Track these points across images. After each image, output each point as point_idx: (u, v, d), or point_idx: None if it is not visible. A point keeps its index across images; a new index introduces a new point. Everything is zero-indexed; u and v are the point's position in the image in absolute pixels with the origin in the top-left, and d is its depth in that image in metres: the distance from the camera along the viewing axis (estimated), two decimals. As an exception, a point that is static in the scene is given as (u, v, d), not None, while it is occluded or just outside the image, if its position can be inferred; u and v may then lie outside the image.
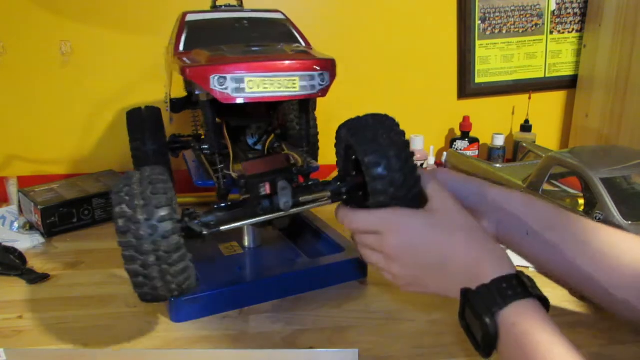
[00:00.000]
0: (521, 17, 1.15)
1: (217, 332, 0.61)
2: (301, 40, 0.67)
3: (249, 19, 0.67)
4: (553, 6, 1.16)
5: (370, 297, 0.69)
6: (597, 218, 0.66)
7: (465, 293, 0.44)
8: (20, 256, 0.78)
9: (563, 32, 1.18)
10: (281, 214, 0.54)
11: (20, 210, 0.92)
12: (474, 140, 1.15)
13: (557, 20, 1.17)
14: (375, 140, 0.48)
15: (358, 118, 0.52)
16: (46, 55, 1.03)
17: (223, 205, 0.55)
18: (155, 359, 0.58)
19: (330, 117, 0.87)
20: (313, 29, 1.10)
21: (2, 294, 0.70)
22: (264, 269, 0.72)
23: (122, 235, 0.46)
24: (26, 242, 0.85)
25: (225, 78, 0.51)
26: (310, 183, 0.57)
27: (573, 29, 1.17)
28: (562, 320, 0.62)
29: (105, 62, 1.05)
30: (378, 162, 0.47)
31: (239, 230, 0.78)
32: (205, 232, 0.52)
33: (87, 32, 1.03)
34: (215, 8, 0.74)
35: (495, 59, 1.17)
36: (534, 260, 0.56)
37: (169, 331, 0.61)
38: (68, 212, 0.89)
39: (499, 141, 1.15)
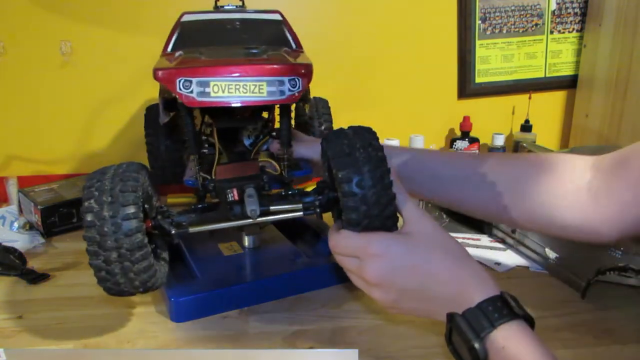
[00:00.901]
0: (521, 17, 1.15)
1: (217, 332, 0.61)
2: (292, 43, 0.67)
3: (242, 20, 0.67)
4: (553, 6, 1.16)
5: (370, 297, 0.68)
6: (597, 218, 0.66)
7: (452, 318, 0.44)
8: (20, 256, 0.78)
9: (563, 32, 1.18)
10: (251, 221, 0.54)
11: (20, 210, 0.92)
12: (474, 140, 1.15)
13: (557, 20, 1.17)
14: (350, 154, 0.47)
15: (339, 130, 0.51)
16: (46, 55, 1.03)
17: (200, 206, 0.56)
18: (155, 359, 0.58)
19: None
20: (313, 29, 1.10)
21: (2, 294, 0.70)
22: (264, 269, 0.72)
23: (88, 229, 0.48)
24: (26, 242, 0.85)
25: (190, 81, 0.50)
26: (284, 193, 0.57)
27: (573, 29, 1.17)
28: (562, 320, 0.63)
29: (105, 62, 1.05)
30: (350, 178, 0.46)
31: (239, 229, 0.78)
32: (173, 232, 0.54)
33: (87, 32, 1.03)
34: (217, 8, 0.74)
35: (495, 59, 1.17)
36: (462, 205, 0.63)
37: (169, 331, 0.61)
38: (68, 212, 0.89)
39: (499, 141, 1.15)
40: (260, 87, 0.51)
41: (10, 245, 0.79)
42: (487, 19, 1.14)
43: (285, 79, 0.51)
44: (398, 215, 0.49)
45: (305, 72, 0.53)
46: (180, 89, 0.50)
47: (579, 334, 0.60)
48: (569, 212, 0.55)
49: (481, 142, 1.16)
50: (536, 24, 1.16)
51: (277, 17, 0.69)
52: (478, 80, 1.17)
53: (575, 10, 1.16)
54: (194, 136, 0.59)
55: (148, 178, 0.55)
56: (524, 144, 1.03)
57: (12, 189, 0.93)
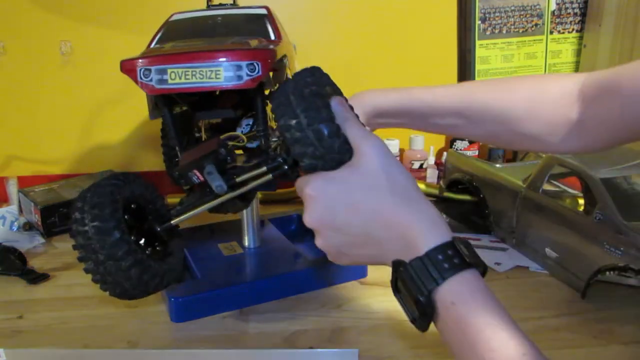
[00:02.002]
0: (521, 17, 1.15)
1: (217, 332, 0.61)
2: (272, 34, 0.65)
3: (225, 16, 0.67)
4: (553, 6, 1.16)
5: (370, 297, 0.69)
6: (597, 218, 0.66)
7: (397, 267, 0.39)
8: (20, 256, 0.78)
9: (563, 32, 1.18)
10: (225, 197, 0.53)
11: (20, 210, 0.92)
12: (474, 140, 1.15)
13: (557, 20, 1.16)
14: (284, 101, 0.44)
15: (283, 82, 0.49)
16: (46, 55, 1.03)
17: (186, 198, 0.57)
18: (155, 359, 0.58)
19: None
20: (312, 29, 1.10)
21: (2, 294, 0.70)
22: (264, 269, 0.72)
23: (75, 238, 0.50)
24: (26, 242, 0.85)
25: (150, 70, 0.52)
26: (249, 162, 0.56)
27: (573, 29, 1.17)
28: (562, 320, 0.63)
29: (105, 62, 1.05)
30: (288, 125, 0.43)
31: (239, 230, 0.78)
32: (158, 229, 0.55)
33: (87, 32, 1.03)
34: (209, 7, 0.73)
35: (495, 59, 1.17)
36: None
37: (169, 331, 0.61)
38: (68, 212, 0.89)
39: (499, 141, 1.15)
40: (217, 72, 0.51)
41: (10, 245, 0.79)
42: (487, 19, 1.14)
43: (243, 63, 0.51)
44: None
45: (265, 56, 0.52)
46: (140, 78, 0.52)
47: (579, 334, 0.60)
48: (556, 142, 0.57)
49: (481, 142, 1.16)
50: (536, 24, 1.16)
51: (262, 11, 0.68)
52: (478, 80, 1.17)
53: (575, 10, 1.16)
54: (174, 128, 0.59)
55: (139, 188, 0.57)
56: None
57: (12, 189, 0.94)
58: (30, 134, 1.07)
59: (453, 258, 0.38)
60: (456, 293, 0.37)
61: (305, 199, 0.43)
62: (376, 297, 0.68)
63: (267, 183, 0.53)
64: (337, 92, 0.49)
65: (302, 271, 0.70)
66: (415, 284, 0.38)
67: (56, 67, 1.04)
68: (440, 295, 0.37)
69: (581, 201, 0.77)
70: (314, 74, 0.46)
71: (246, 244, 0.77)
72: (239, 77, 0.51)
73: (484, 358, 0.35)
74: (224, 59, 0.51)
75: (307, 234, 0.82)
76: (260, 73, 0.51)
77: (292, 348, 0.58)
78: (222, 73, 0.51)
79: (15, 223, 0.88)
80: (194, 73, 0.51)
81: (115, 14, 1.03)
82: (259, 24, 0.65)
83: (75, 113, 1.07)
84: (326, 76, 0.48)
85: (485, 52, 1.16)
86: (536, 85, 0.60)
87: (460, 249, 0.38)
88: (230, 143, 0.60)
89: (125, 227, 0.51)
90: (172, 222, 0.56)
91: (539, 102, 0.58)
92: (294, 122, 0.42)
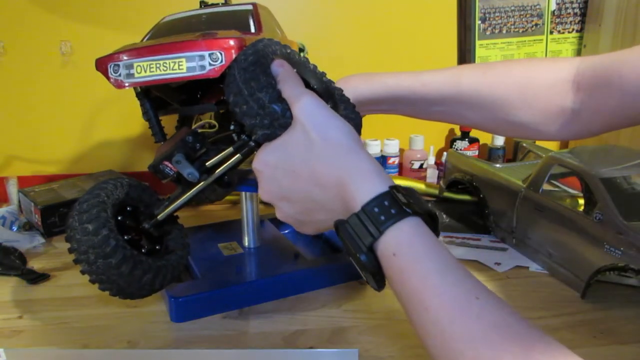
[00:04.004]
0: (521, 17, 1.15)
1: (217, 332, 0.61)
2: (252, 27, 0.64)
3: (210, 14, 0.67)
4: (553, 6, 1.16)
5: (370, 297, 0.69)
6: (597, 218, 0.66)
7: (337, 228, 0.38)
8: (20, 256, 0.78)
9: (563, 32, 1.18)
10: (201, 185, 0.54)
11: (20, 210, 0.92)
12: (474, 140, 1.15)
13: (557, 20, 1.17)
14: (231, 79, 0.44)
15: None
16: (46, 55, 1.03)
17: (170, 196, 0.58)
18: (155, 359, 0.58)
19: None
20: (312, 29, 1.10)
21: (2, 294, 0.70)
22: (264, 269, 0.72)
23: (69, 242, 0.53)
24: (26, 242, 0.84)
25: (118, 65, 0.53)
26: (217, 147, 0.56)
27: (573, 29, 1.17)
28: (562, 320, 0.63)
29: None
30: (236, 100, 0.43)
31: (239, 230, 0.78)
32: (146, 226, 0.57)
33: (87, 32, 1.03)
34: (202, 7, 0.73)
35: (495, 59, 1.17)
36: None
37: (169, 331, 0.61)
38: (68, 212, 0.89)
39: (499, 141, 1.15)
40: (180, 63, 0.51)
41: (10, 245, 0.79)
42: (487, 19, 1.14)
43: (205, 53, 0.51)
44: None
45: (229, 45, 0.51)
46: (111, 74, 0.53)
47: (578, 334, 0.60)
48: (550, 130, 0.57)
49: (481, 142, 1.16)
50: (536, 24, 1.16)
51: (247, 7, 0.67)
52: (478, 80, 1.17)
53: (575, 10, 1.16)
54: (157, 124, 0.60)
55: (135, 190, 0.59)
56: (524, 144, 1.03)
57: (12, 189, 0.94)
58: (30, 134, 1.07)
59: (390, 208, 0.36)
60: (395, 244, 0.35)
61: (255, 175, 0.43)
62: (376, 297, 0.68)
63: (238, 163, 0.52)
64: (289, 55, 0.49)
65: (302, 271, 0.70)
66: (355, 241, 0.36)
67: (56, 67, 1.04)
68: (381, 249, 0.36)
69: (581, 201, 0.77)
70: (256, 45, 0.47)
71: (246, 244, 0.77)
72: (202, 67, 0.51)
73: (432, 304, 0.33)
74: (186, 50, 0.51)
75: (308, 234, 0.82)
76: (223, 62, 0.50)
77: (292, 348, 0.58)
78: (185, 64, 0.51)
79: (15, 223, 0.88)
80: (157, 65, 0.52)
81: (115, 14, 1.03)
82: (241, 19, 0.65)
83: (75, 113, 1.07)
84: (275, 43, 0.48)
85: (485, 52, 1.16)
86: (528, 71, 0.58)
87: (397, 198, 0.36)
88: (201, 130, 0.60)
89: (114, 226, 0.53)
90: (158, 217, 0.57)
91: (532, 89, 0.57)
92: (239, 96, 0.43)
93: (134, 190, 0.59)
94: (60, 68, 1.04)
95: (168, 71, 0.52)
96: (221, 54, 0.51)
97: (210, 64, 0.51)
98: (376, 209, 0.36)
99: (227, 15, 0.66)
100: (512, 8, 1.14)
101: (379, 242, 0.36)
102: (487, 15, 1.14)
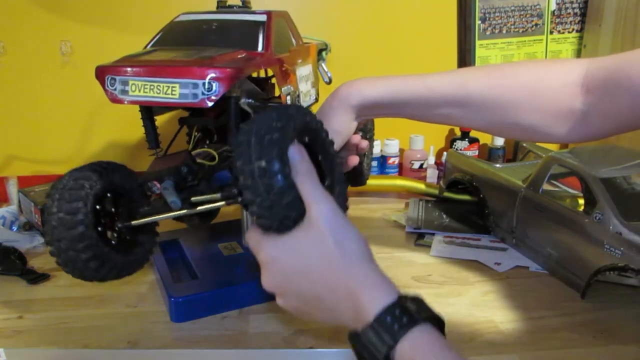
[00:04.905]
0: (521, 17, 1.15)
1: (217, 332, 0.61)
2: (260, 46, 0.63)
3: (221, 21, 0.66)
4: (553, 6, 1.16)
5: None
6: (597, 218, 0.66)
7: (351, 339, 0.40)
8: (20, 256, 0.78)
9: (563, 32, 1.18)
10: (180, 213, 0.55)
11: (20, 210, 0.92)
12: (474, 140, 1.15)
13: (557, 20, 1.17)
14: (246, 143, 0.42)
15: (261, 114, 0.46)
16: (46, 55, 1.03)
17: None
18: (155, 359, 0.58)
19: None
20: (312, 28, 1.10)
21: (2, 294, 0.70)
22: (264, 269, 0.72)
23: (43, 224, 0.54)
24: (26, 242, 0.84)
25: (115, 79, 0.53)
26: (208, 184, 0.58)
27: (573, 29, 1.17)
28: (562, 320, 0.63)
29: (105, 62, 1.05)
30: (242, 169, 0.41)
31: (239, 230, 0.78)
32: (120, 226, 0.58)
33: (87, 32, 1.03)
34: (219, 8, 0.73)
35: (495, 59, 1.17)
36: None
37: (169, 331, 0.61)
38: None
39: (499, 141, 1.15)
40: (173, 89, 0.51)
41: (10, 245, 0.79)
42: (487, 19, 1.14)
43: (200, 82, 0.50)
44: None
45: (225, 76, 0.50)
46: (107, 86, 0.54)
47: (579, 334, 0.60)
48: (559, 133, 0.57)
49: (481, 142, 1.16)
50: (536, 24, 1.16)
51: (261, 18, 0.65)
52: (478, 80, 1.17)
53: (575, 10, 1.16)
54: (152, 131, 0.63)
55: (120, 177, 0.59)
56: (524, 144, 1.03)
57: (12, 189, 0.94)
58: (30, 134, 1.07)
59: (402, 318, 0.37)
60: (410, 351, 0.37)
61: (260, 262, 0.44)
62: (376, 297, 0.68)
63: (220, 207, 0.54)
64: (308, 130, 0.46)
65: (302, 271, 0.70)
66: (371, 352, 0.38)
67: (56, 67, 1.04)
68: (397, 357, 0.37)
69: (581, 201, 0.77)
70: (281, 117, 0.43)
71: (246, 244, 0.77)
72: (195, 95, 0.51)
73: None
74: (181, 76, 0.51)
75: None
76: (217, 92, 0.50)
77: (292, 348, 0.58)
78: (178, 90, 0.51)
79: (15, 223, 0.88)
80: (152, 87, 0.52)
81: (115, 14, 1.03)
82: (251, 33, 0.64)
83: (75, 113, 1.07)
84: (299, 116, 0.45)
85: (485, 52, 1.16)
86: (536, 73, 0.58)
87: (407, 307, 0.38)
88: (199, 160, 0.60)
89: (92, 220, 0.53)
90: (132, 223, 0.58)
91: (540, 92, 0.56)
92: (247, 168, 0.41)
93: (119, 177, 0.58)
94: (60, 68, 1.04)
95: (161, 94, 0.52)
96: (215, 84, 0.50)
97: (203, 93, 0.50)
98: (389, 319, 0.37)
99: (238, 25, 0.65)
100: (512, 8, 1.14)
101: (395, 351, 0.37)
102: (487, 15, 1.14)
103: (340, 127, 0.62)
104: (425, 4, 1.12)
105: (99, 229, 0.54)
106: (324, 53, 0.89)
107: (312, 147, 0.47)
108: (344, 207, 0.50)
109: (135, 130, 1.11)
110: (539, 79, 0.57)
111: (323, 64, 0.85)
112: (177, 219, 0.58)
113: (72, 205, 0.52)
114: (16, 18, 1.01)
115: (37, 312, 0.66)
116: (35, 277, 0.73)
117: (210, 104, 0.50)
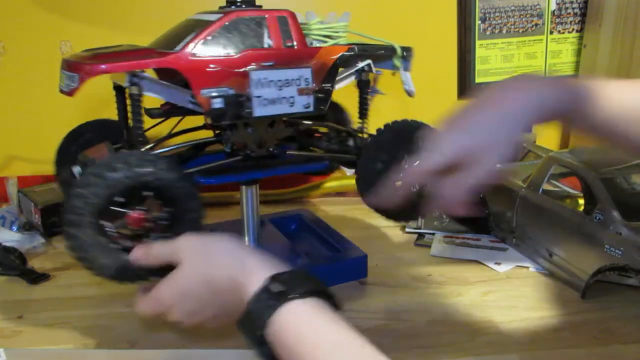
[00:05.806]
0: (521, 17, 1.15)
1: (217, 331, 0.61)
2: (179, 46, 0.62)
3: (194, 20, 0.66)
4: (553, 6, 1.16)
5: (370, 297, 0.69)
6: (597, 218, 0.66)
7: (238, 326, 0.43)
8: (20, 256, 0.78)
9: (563, 32, 1.18)
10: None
11: (20, 210, 0.92)
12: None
13: (557, 20, 1.16)
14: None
15: None
16: (46, 55, 1.03)
17: None
18: (155, 359, 0.58)
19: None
20: (313, 29, 1.10)
21: (2, 294, 0.70)
22: (264, 269, 0.72)
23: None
24: (26, 242, 0.84)
25: (64, 73, 0.59)
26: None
27: (573, 29, 1.17)
28: (562, 320, 0.63)
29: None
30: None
31: (239, 230, 0.78)
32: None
33: (87, 32, 1.03)
34: (221, 6, 0.73)
35: (495, 59, 1.17)
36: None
37: (169, 331, 0.61)
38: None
39: (499, 141, 1.15)
40: (64, 79, 0.58)
41: (10, 245, 0.79)
42: (487, 19, 1.14)
43: (69, 74, 0.57)
44: None
45: (83, 70, 0.56)
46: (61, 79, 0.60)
47: (579, 334, 0.60)
48: None
49: None
50: (536, 24, 1.16)
51: (212, 17, 0.64)
52: (478, 80, 1.17)
53: (575, 10, 1.16)
54: (123, 119, 0.69)
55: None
56: (524, 144, 1.03)
57: (12, 189, 0.93)
58: (30, 134, 1.07)
59: (268, 300, 0.40)
60: (274, 333, 0.39)
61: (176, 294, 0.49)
62: (376, 297, 0.68)
63: None
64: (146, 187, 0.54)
65: (302, 271, 0.70)
66: (248, 337, 0.41)
67: (56, 67, 1.04)
68: (269, 340, 0.39)
69: (581, 201, 0.77)
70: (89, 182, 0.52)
71: (246, 244, 0.77)
72: (68, 86, 0.57)
73: None
74: (69, 70, 0.58)
75: (308, 234, 0.82)
76: (76, 85, 0.56)
77: (292, 348, 0.58)
78: (64, 81, 0.58)
79: (15, 223, 0.88)
80: (61, 78, 0.60)
81: (115, 14, 1.03)
82: (187, 33, 0.64)
83: (75, 113, 1.07)
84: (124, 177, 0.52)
85: (485, 52, 1.16)
86: None
87: (270, 289, 0.41)
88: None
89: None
90: None
91: None
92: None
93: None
94: (60, 68, 1.04)
95: (63, 85, 0.59)
96: (76, 76, 0.57)
97: (70, 85, 0.57)
98: (257, 304, 0.40)
99: (193, 25, 0.65)
100: (512, 8, 1.14)
101: (266, 334, 0.39)
102: (487, 15, 1.14)
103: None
104: (425, 4, 1.12)
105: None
106: (395, 60, 0.80)
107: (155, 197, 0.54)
108: (199, 228, 0.57)
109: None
110: None
111: (404, 73, 0.80)
112: None
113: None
114: (16, 18, 1.01)
115: (37, 312, 0.66)
116: (35, 277, 0.73)
117: (71, 95, 0.57)
